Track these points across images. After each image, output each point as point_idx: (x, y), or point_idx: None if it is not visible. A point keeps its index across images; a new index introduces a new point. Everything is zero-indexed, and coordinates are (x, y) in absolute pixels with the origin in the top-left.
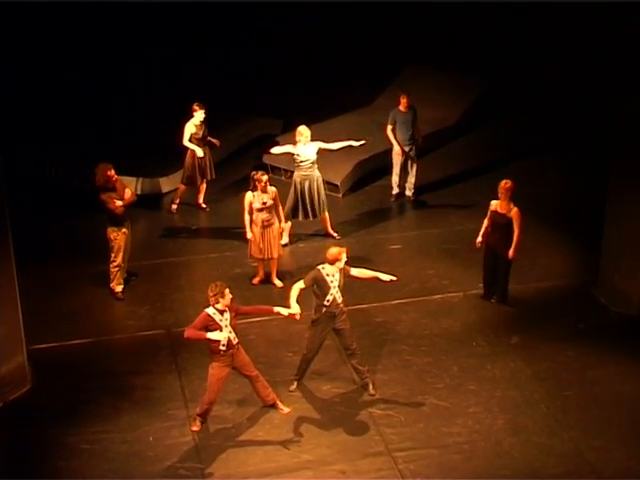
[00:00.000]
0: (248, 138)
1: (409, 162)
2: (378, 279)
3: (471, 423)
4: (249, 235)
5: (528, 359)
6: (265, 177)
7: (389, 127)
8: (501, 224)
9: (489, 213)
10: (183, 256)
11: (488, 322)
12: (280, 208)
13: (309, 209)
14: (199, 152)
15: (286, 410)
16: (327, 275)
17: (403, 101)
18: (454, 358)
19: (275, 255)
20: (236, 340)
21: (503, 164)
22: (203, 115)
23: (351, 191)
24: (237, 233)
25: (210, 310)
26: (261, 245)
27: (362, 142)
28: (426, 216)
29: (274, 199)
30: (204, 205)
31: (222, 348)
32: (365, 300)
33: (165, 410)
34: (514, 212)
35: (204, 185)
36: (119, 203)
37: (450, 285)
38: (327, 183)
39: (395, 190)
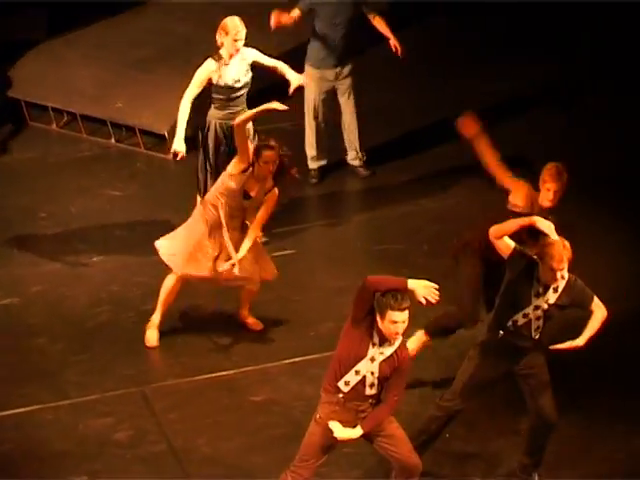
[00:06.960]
0: None
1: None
2: None
3: None
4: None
5: None
6: (269, 153)
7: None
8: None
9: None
10: None
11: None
12: (264, 217)
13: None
14: None
15: None
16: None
17: None
18: None
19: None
20: None
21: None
22: None
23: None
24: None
25: None
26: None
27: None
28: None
29: (268, 201)
30: None
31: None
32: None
33: None
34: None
35: None
36: None
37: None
38: (147, 134)
39: (315, 160)
